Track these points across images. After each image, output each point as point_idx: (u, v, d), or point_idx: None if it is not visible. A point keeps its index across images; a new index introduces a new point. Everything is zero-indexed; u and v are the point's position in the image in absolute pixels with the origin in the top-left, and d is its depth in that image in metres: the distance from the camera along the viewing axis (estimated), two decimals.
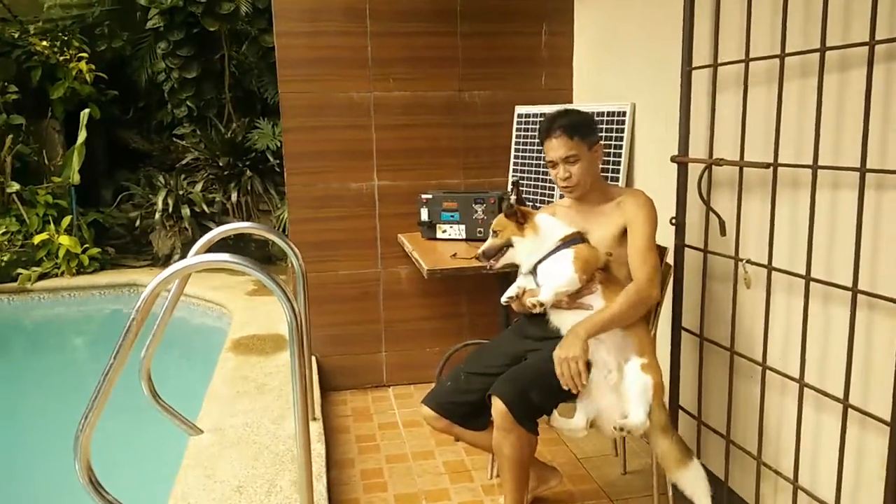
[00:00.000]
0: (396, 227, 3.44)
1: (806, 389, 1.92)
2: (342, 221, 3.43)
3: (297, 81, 3.31)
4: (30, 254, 5.66)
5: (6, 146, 5.72)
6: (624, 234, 2.16)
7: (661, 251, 2.27)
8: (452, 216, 3.18)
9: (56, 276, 5.64)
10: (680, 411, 2.47)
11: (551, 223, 2.17)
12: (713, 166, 2.22)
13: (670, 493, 2.23)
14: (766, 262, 2.02)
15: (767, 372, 2.06)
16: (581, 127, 2.16)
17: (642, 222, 2.13)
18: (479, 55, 3.46)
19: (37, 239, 5.64)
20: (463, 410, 2.19)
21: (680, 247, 2.38)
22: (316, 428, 2.68)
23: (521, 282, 2.21)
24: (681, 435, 2.31)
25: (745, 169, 2.11)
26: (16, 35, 6.14)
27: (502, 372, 2.10)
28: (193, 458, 2.47)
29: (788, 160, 1.95)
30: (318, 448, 2.52)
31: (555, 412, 2.08)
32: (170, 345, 4.51)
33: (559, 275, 2.07)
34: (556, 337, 2.06)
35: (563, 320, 2.11)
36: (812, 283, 1.87)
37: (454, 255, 2.89)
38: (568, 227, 2.16)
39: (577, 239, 2.13)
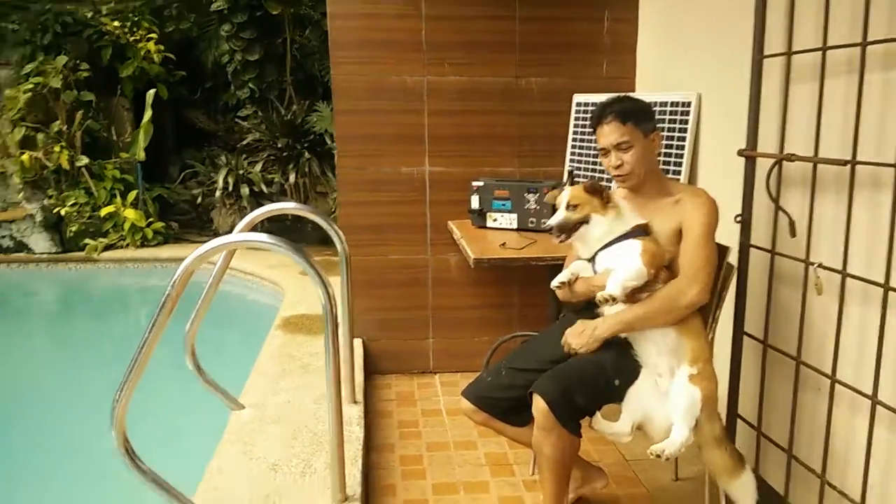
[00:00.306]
0: (447, 213, 3.39)
1: (878, 407, 1.78)
2: (393, 206, 3.40)
3: (351, 64, 3.28)
4: (97, 225, 5.86)
5: (77, 121, 5.92)
6: (680, 234, 2.02)
7: (722, 251, 2.13)
8: (504, 205, 3.10)
9: (121, 247, 5.83)
10: (738, 420, 2.34)
11: (628, 208, 2.03)
12: (784, 162, 2.08)
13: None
14: (839, 268, 1.88)
15: (836, 385, 1.91)
16: (636, 113, 2.04)
17: (699, 222, 1.99)
18: (537, 41, 3.36)
19: (104, 211, 5.83)
20: (503, 406, 2.13)
21: (745, 246, 2.24)
22: (356, 411, 2.67)
23: (576, 267, 2.11)
24: (737, 446, 2.20)
25: (819, 166, 1.97)
26: (88, 15, 6.34)
27: (546, 369, 2.02)
28: (234, 433, 2.49)
29: (868, 158, 1.80)
30: (357, 431, 2.50)
31: (598, 414, 1.99)
32: (224, 319, 4.61)
33: (628, 266, 1.93)
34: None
35: None
36: (891, 293, 1.72)
37: (503, 244, 2.82)
38: (638, 216, 2.03)
39: (641, 231, 2.00)
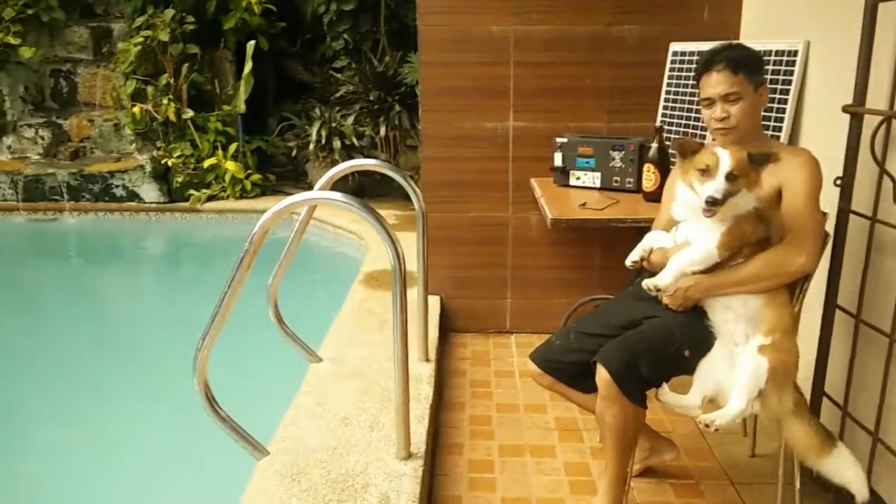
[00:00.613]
0: (530, 171, 3.29)
1: None
2: (475, 162, 3.34)
3: (437, 13, 3.20)
4: (201, 176, 6.13)
5: (183, 74, 6.15)
6: (779, 196, 1.88)
7: (823, 218, 1.96)
8: (587, 162, 2.98)
9: (222, 198, 6.08)
10: (824, 399, 2.19)
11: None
12: (893, 120, 1.87)
13: (798, 485, 1.99)
14: None
15: None
16: (748, 62, 1.90)
17: (802, 182, 1.84)
18: None
19: (206, 163, 6.08)
20: (570, 371, 2.08)
21: (844, 211, 2.05)
22: (427, 369, 2.69)
23: (648, 242, 2.00)
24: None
25: None
26: None
27: (616, 335, 1.95)
28: (310, 385, 2.57)
29: None
30: (426, 390, 2.52)
31: (665, 386, 1.89)
32: (309, 272, 4.76)
33: (696, 250, 1.81)
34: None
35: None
36: None
37: (583, 204, 2.71)
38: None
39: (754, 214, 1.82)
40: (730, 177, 1.72)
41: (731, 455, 2.43)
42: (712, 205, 1.72)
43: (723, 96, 1.90)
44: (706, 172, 1.74)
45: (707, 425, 1.76)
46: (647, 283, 1.86)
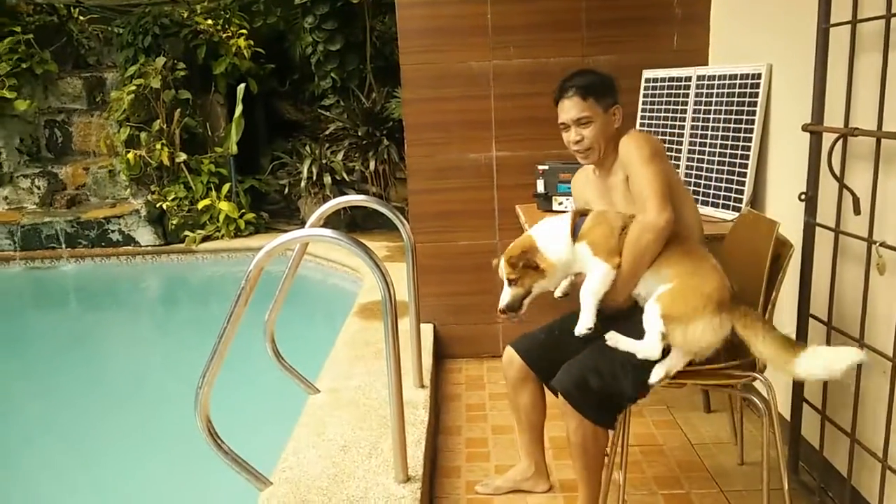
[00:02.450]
0: (515, 198, 3.40)
1: None
2: (461, 192, 3.46)
3: (418, 52, 3.34)
4: (195, 218, 6.24)
5: (175, 119, 6.29)
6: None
7: (770, 226, 2.01)
8: (569, 188, 3.08)
9: (217, 238, 6.19)
10: (804, 405, 2.27)
11: (556, 236, 1.99)
12: (848, 137, 1.98)
13: (786, 487, 2.05)
14: None
15: None
16: (596, 87, 2.05)
17: (630, 159, 1.96)
18: (604, 16, 3.30)
19: (201, 204, 6.20)
20: (546, 365, 2.15)
21: (809, 224, 2.16)
22: (423, 395, 2.76)
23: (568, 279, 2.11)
24: (803, 430, 2.15)
25: (883, 141, 1.86)
26: (185, 15, 6.69)
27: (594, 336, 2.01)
28: (309, 416, 2.64)
29: None
30: (422, 415, 2.60)
31: (613, 332, 1.94)
32: (305, 305, 4.83)
33: (590, 278, 1.94)
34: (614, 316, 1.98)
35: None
36: None
37: None
38: (565, 216, 2.01)
39: (580, 221, 1.99)
40: (511, 283, 1.96)
41: (720, 464, 2.50)
42: (508, 315, 1.98)
43: (575, 120, 2.05)
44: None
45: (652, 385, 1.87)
46: (579, 331, 1.95)
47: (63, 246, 6.23)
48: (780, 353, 1.70)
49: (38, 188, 6.72)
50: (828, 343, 2.13)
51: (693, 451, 2.60)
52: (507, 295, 2.01)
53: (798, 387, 2.24)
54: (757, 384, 2.02)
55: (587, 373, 1.93)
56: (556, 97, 2.12)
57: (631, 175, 1.97)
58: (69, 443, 3.31)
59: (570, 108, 2.06)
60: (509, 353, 2.27)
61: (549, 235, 2.01)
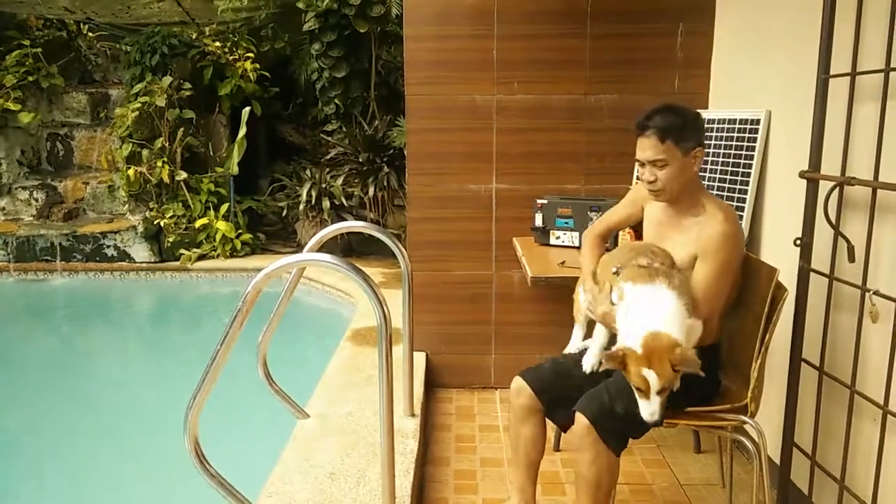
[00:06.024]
0: (512, 230, 3.43)
1: None
2: (459, 223, 3.47)
3: (423, 84, 3.38)
4: (192, 236, 6.24)
5: (178, 138, 6.32)
6: (696, 259, 2.00)
7: (770, 273, 2.03)
8: (567, 223, 3.12)
9: (213, 257, 6.18)
10: (794, 449, 2.26)
11: (678, 323, 1.83)
12: (845, 185, 2.01)
13: None
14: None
15: (889, 417, 1.83)
16: (677, 130, 1.98)
17: (711, 256, 1.95)
18: (607, 57, 3.35)
19: (198, 223, 6.20)
20: (554, 396, 2.14)
21: (804, 270, 2.18)
22: (412, 424, 2.75)
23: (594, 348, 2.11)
24: (793, 475, 2.14)
25: (878, 191, 1.89)
26: (193, 36, 6.78)
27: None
28: (297, 442, 2.62)
29: None
30: (412, 444, 2.58)
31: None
32: (298, 329, 4.82)
33: (595, 336, 2.10)
34: None
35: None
36: None
37: (562, 262, 2.83)
38: (659, 291, 1.85)
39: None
40: (661, 392, 1.77)
41: None
42: (655, 426, 1.84)
43: (651, 161, 2.01)
44: (640, 391, 1.79)
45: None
46: (587, 368, 2.05)
47: (57, 259, 6.20)
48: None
49: (37, 200, 6.72)
50: (819, 391, 2.13)
51: (682, 491, 2.58)
52: (656, 408, 1.78)
53: (788, 431, 2.24)
54: (747, 427, 2.03)
55: (613, 400, 1.92)
56: (636, 131, 2.06)
57: (701, 269, 1.97)
58: (55, 460, 3.26)
59: (647, 148, 2.01)
60: (518, 382, 2.21)
61: (671, 323, 1.80)
